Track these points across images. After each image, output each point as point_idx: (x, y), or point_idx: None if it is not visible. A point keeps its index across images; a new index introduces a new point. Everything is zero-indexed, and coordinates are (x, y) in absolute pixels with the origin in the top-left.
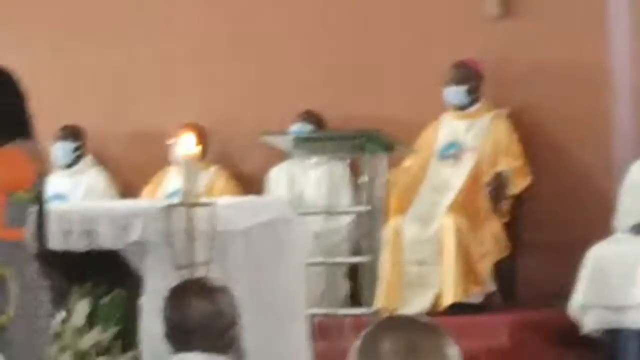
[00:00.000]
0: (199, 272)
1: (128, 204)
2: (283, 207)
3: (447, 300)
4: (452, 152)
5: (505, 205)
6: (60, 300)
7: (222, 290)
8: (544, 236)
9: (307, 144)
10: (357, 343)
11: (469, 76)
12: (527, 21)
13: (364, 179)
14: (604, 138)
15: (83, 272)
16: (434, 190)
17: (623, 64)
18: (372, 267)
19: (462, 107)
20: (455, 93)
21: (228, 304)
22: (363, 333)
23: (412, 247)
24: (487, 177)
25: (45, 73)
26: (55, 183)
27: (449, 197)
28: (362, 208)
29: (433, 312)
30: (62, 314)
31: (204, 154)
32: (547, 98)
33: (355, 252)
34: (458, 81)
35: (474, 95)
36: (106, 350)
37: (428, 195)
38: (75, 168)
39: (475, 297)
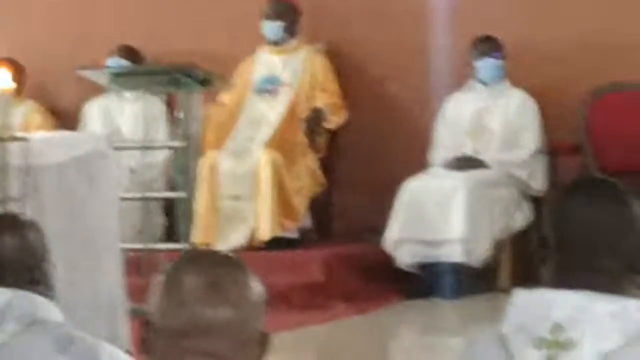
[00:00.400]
0: (12, 207)
1: None
2: (98, 141)
3: (263, 235)
4: (268, 87)
5: (321, 140)
6: None
7: (33, 225)
8: (360, 171)
9: (123, 79)
10: (159, 277)
11: (286, 11)
12: None
13: (180, 114)
14: (420, 73)
15: None
16: (250, 125)
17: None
18: (188, 202)
19: (278, 42)
20: (271, 28)
21: (39, 239)
22: (165, 267)
23: (228, 182)
24: (303, 113)
25: None
26: None
27: (266, 132)
28: (177, 143)
29: (249, 246)
30: None
31: (20, 89)
32: (364, 33)
33: (171, 187)
34: (274, 16)
35: (290, 30)
36: None
37: (244, 130)
38: None
39: (291, 232)
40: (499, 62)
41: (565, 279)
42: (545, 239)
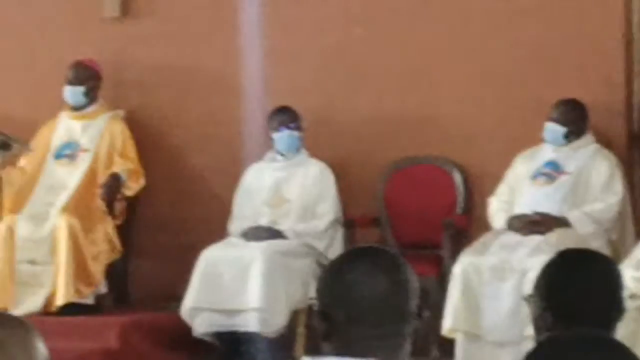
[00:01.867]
0: None
1: None
2: None
3: (59, 300)
4: (67, 152)
5: (119, 207)
6: None
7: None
8: (158, 239)
9: None
10: None
11: (87, 76)
12: (146, 23)
13: None
14: (222, 143)
15: None
16: (49, 190)
17: (251, 68)
18: None
19: (79, 107)
20: (72, 93)
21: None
22: None
23: (26, 246)
24: (101, 178)
25: None
26: None
27: (64, 198)
28: None
29: (45, 312)
30: None
31: None
32: (166, 101)
33: None
34: (75, 81)
35: (91, 95)
36: None
37: (43, 195)
38: None
39: (87, 297)
40: (295, 133)
41: (353, 346)
42: (324, 312)
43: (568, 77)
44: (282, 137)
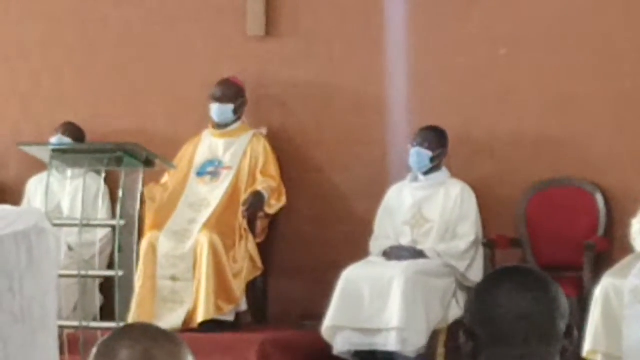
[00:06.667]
0: None
1: None
2: (37, 217)
3: (200, 317)
4: (209, 169)
5: (260, 224)
6: None
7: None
8: (298, 257)
9: (65, 156)
10: (94, 350)
11: (235, 94)
12: (289, 42)
13: (120, 192)
14: (362, 162)
15: None
16: (191, 206)
17: (395, 89)
18: (126, 281)
19: (224, 125)
20: (221, 111)
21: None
22: (100, 341)
23: (167, 263)
24: (243, 196)
25: None
26: None
27: (206, 215)
28: (115, 221)
29: (185, 328)
30: None
31: None
32: (307, 120)
33: (110, 265)
34: (224, 99)
35: (237, 113)
36: None
37: (185, 212)
38: None
39: (228, 315)
40: (424, 152)
41: None
42: (470, 332)
43: None
44: (412, 153)
